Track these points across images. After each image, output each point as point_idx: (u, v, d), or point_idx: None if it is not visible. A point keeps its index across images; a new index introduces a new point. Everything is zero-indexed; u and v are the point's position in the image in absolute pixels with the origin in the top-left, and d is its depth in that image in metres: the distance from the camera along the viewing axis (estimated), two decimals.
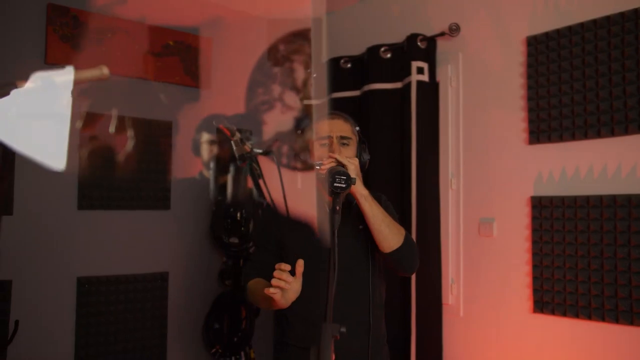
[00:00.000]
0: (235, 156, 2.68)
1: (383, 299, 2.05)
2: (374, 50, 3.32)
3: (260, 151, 2.77)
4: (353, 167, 1.72)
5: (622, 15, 2.32)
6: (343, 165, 1.70)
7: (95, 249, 3.16)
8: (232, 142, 2.62)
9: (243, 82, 3.82)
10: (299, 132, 1.96)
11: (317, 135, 1.90)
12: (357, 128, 1.97)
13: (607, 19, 2.36)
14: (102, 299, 3.18)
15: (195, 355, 3.53)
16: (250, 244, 3.42)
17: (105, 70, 1.06)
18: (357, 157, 1.89)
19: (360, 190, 1.76)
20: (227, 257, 3.50)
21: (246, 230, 3.41)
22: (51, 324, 3.02)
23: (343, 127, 1.91)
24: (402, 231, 1.87)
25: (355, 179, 1.59)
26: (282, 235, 1.98)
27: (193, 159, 3.59)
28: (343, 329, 1.24)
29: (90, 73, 1.06)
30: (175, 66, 3.51)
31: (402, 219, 2.97)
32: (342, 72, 3.54)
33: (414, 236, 2.90)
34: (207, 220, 3.58)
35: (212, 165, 3.51)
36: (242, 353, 3.43)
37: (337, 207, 1.43)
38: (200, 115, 3.59)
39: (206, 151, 3.55)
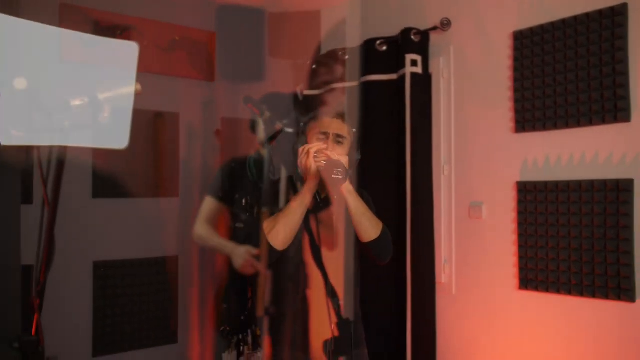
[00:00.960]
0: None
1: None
2: (370, 43, 3.46)
3: (291, 130, 2.91)
4: (342, 164, 1.91)
5: (599, 12, 2.47)
6: None
7: (109, 235, 3.36)
8: (261, 120, 2.75)
9: (248, 72, 3.98)
10: (303, 123, 2.13)
11: (316, 130, 2.08)
12: (354, 130, 2.14)
13: (587, 15, 2.52)
14: (117, 281, 3.39)
15: (204, 333, 3.74)
16: (255, 228, 3.61)
17: (138, 87, 1.24)
18: (348, 155, 2.07)
19: (346, 186, 1.94)
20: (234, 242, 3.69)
21: (252, 216, 3.59)
22: (70, 305, 3.23)
23: (340, 127, 2.07)
24: (380, 224, 2.06)
25: (349, 173, 1.77)
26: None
27: (198, 149, 3.78)
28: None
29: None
30: (181, 60, 3.68)
31: (398, 203, 3.15)
32: (340, 64, 3.70)
33: (409, 220, 3.09)
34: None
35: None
36: (249, 331, 3.64)
37: (328, 197, 1.62)
38: (207, 106, 3.77)
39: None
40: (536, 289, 2.69)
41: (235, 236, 3.67)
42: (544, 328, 2.69)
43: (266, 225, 1.96)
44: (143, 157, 3.50)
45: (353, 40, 3.65)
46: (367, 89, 3.47)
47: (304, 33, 4.12)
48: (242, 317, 3.64)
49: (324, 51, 3.95)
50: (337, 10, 3.96)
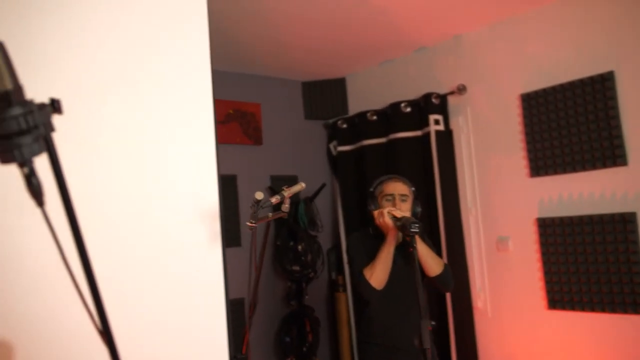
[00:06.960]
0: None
1: None
2: (395, 105, 3.84)
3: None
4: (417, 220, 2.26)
5: (591, 78, 2.87)
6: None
7: None
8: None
9: (289, 136, 4.39)
10: (372, 189, 2.50)
11: (384, 193, 2.44)
12: (413, 188, 2.49)
13: (581, 81, 2.91)
14: None
15: None
16: (309, 270, 3.96)
17: (303, 184, 1.66)
18: (412, 209, 2.43)
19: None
20: (291, 282, 4.03)
21: (305, 260, 3.95)
22: None
23: (402, 188, 2.42)
24: (442, 262, 2.42)
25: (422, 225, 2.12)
26: (367, 253, 2.42)
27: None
28: (433, 323, 1.80)
29: (297, 188, 1.66)
30: (235, 129, 4.08)
31: (434, 243, 3.46)
32: (369, 123, 4.08)
33: (445, 255, 3.43)
34: (270, 252, 4.13)
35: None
36: None
37: (415, 245, 1.98)
38: (258, 167, 4.15)
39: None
40: (563, 308, 3.00)
41: None
42: (570, 340, 2.99)
43: (366, 271, 2.32)
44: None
45: (377, 103, 4.05)
46: (393, 144, 3.85)
47: (333, 97, 4.53)
48: (304, 348, 3.96)
49: (351, 112, 4.36)
50: (359, 77, 4.38)
